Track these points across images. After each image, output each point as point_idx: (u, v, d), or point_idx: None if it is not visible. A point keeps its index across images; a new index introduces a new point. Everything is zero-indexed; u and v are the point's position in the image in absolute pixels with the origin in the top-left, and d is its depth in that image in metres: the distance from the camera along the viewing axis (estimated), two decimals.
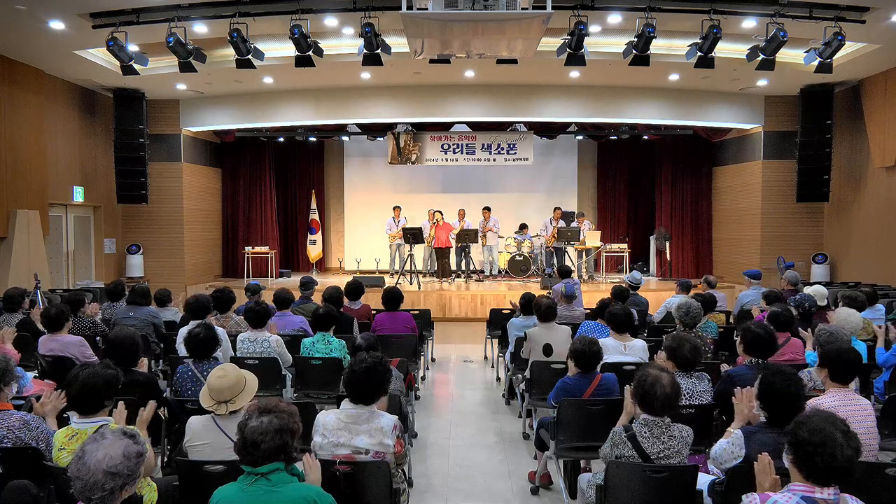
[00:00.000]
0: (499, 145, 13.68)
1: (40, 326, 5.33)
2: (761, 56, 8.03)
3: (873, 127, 10.38)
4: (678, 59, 9.25)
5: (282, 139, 14.09)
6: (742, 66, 9.34)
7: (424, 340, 7.27)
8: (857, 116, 10.96)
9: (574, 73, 10.65)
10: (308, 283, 7.36)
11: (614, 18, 8.27)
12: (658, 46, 8.58)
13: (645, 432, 2.96)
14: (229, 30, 7.71)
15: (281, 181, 15.12)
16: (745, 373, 3.80)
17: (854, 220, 11.22)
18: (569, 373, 4.18)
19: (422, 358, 7.05)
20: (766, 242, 12.11)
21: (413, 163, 13.80)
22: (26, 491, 2.63)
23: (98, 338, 5.51)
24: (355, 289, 6.71)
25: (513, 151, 13.69)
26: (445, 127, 13.51)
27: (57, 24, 7.96)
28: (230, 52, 8.34)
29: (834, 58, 8.08)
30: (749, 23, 8.15)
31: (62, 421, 3.25)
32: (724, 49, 8.88)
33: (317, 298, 6.91)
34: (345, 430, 3.00)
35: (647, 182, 14.94)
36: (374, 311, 6.65)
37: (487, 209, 13.25)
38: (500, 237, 13.40)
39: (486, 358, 8.40)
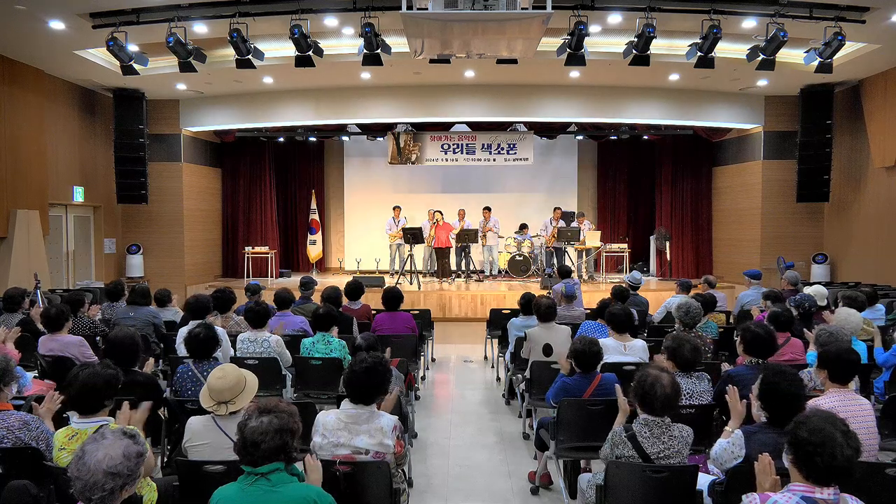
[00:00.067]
0: (499, 145, 13.69)
1: (40, 326, 5.33)
2: (761, 56, 8.03)
3: (873, 127, 10.38)
4: (678, 59, 9.25)
5: (282, 139, 14.09)
6: (742, 66, 9.34)
7: (424, 340, 7.27)
8: (857, 116, 10.96)
9: (574, 73, 10.65)
10: (308, 283, 7.37)
11: (614, 18, 8.27)
12: (658, 46, 8.58)
13: (645, 432, 2.96)
14: (229, 30, 7.71)
15: (281, 181, 15.12)
16: (745, 373, 3.80)
17: (854, 220, 11.22)
18: (561, 370, 4.19)
19: (422, 358, 7.05)
20: (766, 242, 12.11)
21: (413, 163, 13.80)
22: (26, 491, 2.63)
23: (98, 338, 5.51)
24: (355, 289, 6.71)
25: (513, 151, 13.69)
26: (445, 127, 13.51)
27: (57, 24, 7.96)
28: (230, 52, 8.34)
29: (834, 58, 8.08)
30: (749, 23, 8.15)
31: (62, 421, 3.24)
32: (724, 49, 8.88)
33: (316, 298, 6.90)
34: (345, 430, 3.00)
35: (647, 182, 14.94)
36: (374, 311, 6.65)
37: (488, 209, 13.25)
38: (500, 237, 13.40)
39: (486, 358, 8.40)
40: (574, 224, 12.75)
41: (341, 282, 7.64)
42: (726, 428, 3.17)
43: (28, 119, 9.66)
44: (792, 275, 7.61)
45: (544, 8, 6.09)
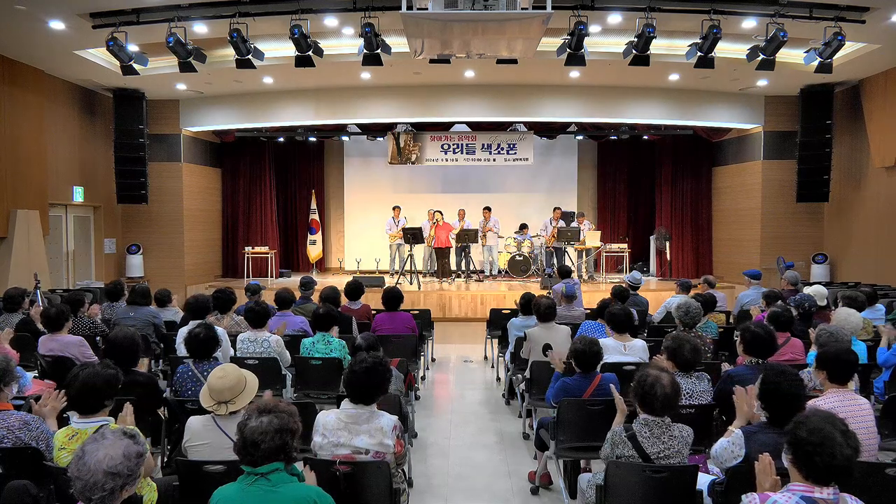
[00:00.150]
0: (499, 145, 13.69)
1: (40, 326, 5.33)
2: (761, 56, 8.03)
3: (873, 127, 10.38)
4: (678, 59, 9.24)
5: (282, 139, 14.09)
6: (742, 66, 9.34)
7: (424, 340, 7.27)
8: (857, 116, 10.96)
9: (574, 73, 10.65)
10: (308, 283, 7.37)
11: (614, 18, 8.27)
12: (658, 46, 8.58)
13: (645, 432, 2.96)
14: (229, 30, 7.71)
15: (281, 181, 15.12)
16: (745, 373, 3.80)
17: (854, 220, 11.22)
18: (556, 369, 4.20)
19: (422, 358, 7.05)
20: (766, 242, 12.11)
21: (413, 163, 13.80)
22: (26, 491, 2.63)
23: (98, 338, 5.51)
24: (355, 289, 6.71)
25: (513, 151, 13.70)
26: (445, 127, 13.51)
27: (57, 24, 7.96)
28: (230, 52, 8.34)
29: (834, 58, 8.08)
30: (749, 23, 8.15)
31: (62, 421, 3.25)
32: (724, 49, 8.88)
33: (316, 298, 6.91)
34: (345, 430, 3.00)
35: (647, 182, 14.94)
36: (373, 311, 6.65)
37: (488, 209, 13.25)
38: (500, 237, 13.40)
39: (486, 358, 8.40)
40: (574, 224, 12.75)
41: (341, 282, 7.64)
42: (730, 428, 3.17)
43: (28, 119, 9.66)
44: (792, 275, 7.61)
45: (544, 8, 6.09)
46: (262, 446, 2.24)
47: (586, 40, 7.85)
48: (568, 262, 11.79)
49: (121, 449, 2.04)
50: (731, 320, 7.13)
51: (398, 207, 13.39)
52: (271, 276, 13.11)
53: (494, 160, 13.78)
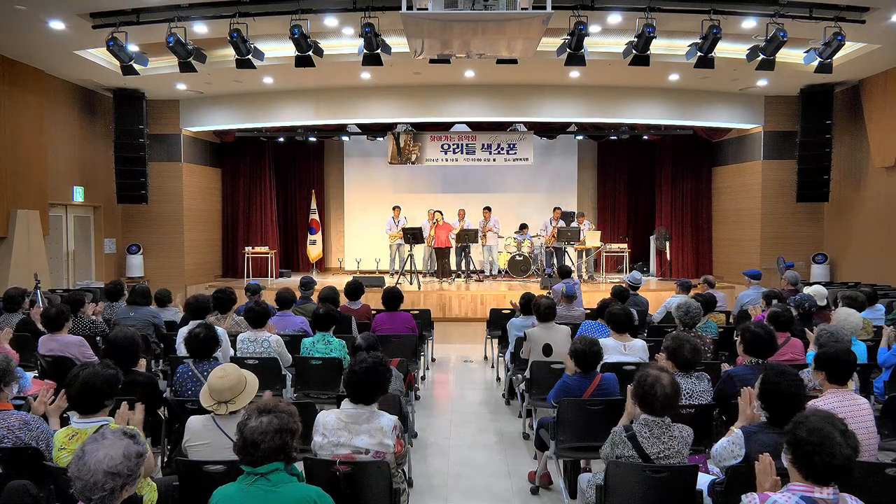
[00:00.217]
0: (499, 145, 13.69)
1: (40, 326, 5.33)
2: (761, 56, 8.03)
3: (873, 127, 10.38)
4: (678, 59, 9.25)
5: (282, 139, 14.09)
6: (742, 66, 9.34)
7: (424, 340, 7.27)
8: (857, 116, 10.96)
9: (574, 73, 10.65)
10: (308, 283, 7.38)
11: (614, 18, 8.27)
12: (658, 46, 8.58)
13: (645, 432, 2.96)
14: (229, 30, 7.71)
15: (281, 181, 15.12)
16: (745, 373, 3.80)
17: (854, 220, 11.22)
18: (567, 371, 4.18)
19: (422, 358, 7.05)
20: (766, 242, 12.11)
21: (413, 163, 13.80)
22: (26, 491, 2.64)
23: (98, 338, 5.51)
24: (355, 289, 6.71)
25: (513, 151, 13.70)
26: (445, 127, 13.51)
27: (57, 24, 7.96)
28: (230, 52, 8.34)
29: (834, 58, 8.08)
30: (749, 23, 8.15)
31: (62, 421, 3.25)
32: (724, 49, 8.88)
33: (315, 299, 6.90)
34: (345, 429, 3.00)
35: (647, 182, 14.94)
36: (373, 312, 6.65)
37: (488, 209, 13.25)
38: (500, 237, 13.40)
39: (486, 358, 8.40)
40: (574, 224, 12.75)
41: (341, 282, 7.64)
42: (732, 427, 3.17)
43: (28, 119, 9.66)
44: (792, 275, 7.61)
45: (544, 8, 6.09)
46: (262, 446, 2.24)
47: (586, 40, 7.85)
48: (568, 262, 11.79)
49: (121, 449, 2.04)
50: (731, 320, 7.13)
51: (398, 207, 13.39)
52: (271, 276, 13.11)
53: (494, 160, 13.78)
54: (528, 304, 6.11)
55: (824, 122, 11.14)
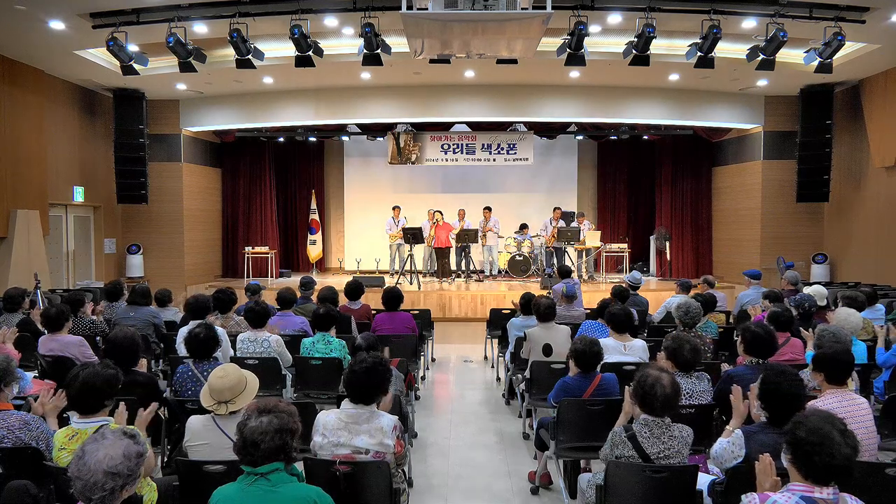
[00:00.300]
0: (499, 145, 13.69)
1: (40, 326, 5.33)
2: (761, 56, 8.03)
3: (873, 127, 10.38)
4: (678, 59, 9.24)
5: (282, 139, 14.09)
6: (742, 66, 9.34)
7: (424, 340, 7.27)
8: (857, 116, 10.96)
9: (574, 73, 10.65)
10: (308, 283, 7.38)
11: (614, 18, 8.27)
12: (658, 46, 8.58)
13: (645, 432, 2.96)
14: (229, 30, 7.71)
15: (281, 181, 15.12)
16: (745, 373, 3.80)
17: (854, 220, 11.22)
18: (570, 372, 4.18)
19: (422, 358, 7.05)
20: (766, 242, 12.11)
21: (413, 163, 13.80)
22: (26, 491, 2.64)
23: (98, 338, 5.51)
24: (355, 289, 6.71)
25: (513, 151, 13.70)
26: (445, 127, 13.51)
27: (57, 24, 7.96)
28: (230, 52, 8.34)
29: (834, 58, 8.08)
30: (749, 23, 8.15)
31: (62, 421, 3.25)
32: (724, 49, 8.88)
33: (315, 299, 6.91)
34: (345, 429, 3.00)
35: (647, 182, 14.94)
36: (373, 311, 6.65)
37: (488, 209, 13.25)
38: (500, 237, 13.40)
39: (486, 358, 8.40)
40: (574, 224, 12.74)
41: (341, 282, 7.64)
42: (727, 427, 3.17)
43: (28, 119, 9.66)
44: (792, 275, 7.61)
45: (544, 8, 6.09)
46: (261, 446, 2.24)
47: (586, 40, 7.85)
48: (568, 262, 11.79)
49: (121, 449, 2.04)
50: (731, 320, 7.13)
51: (398, 207, 13.39)
52: (271, 276, 13.11)
53: (494, 160, 13.78)
54: (528, 304, 6.10)
55: (824, 122, 11.14)
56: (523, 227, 13.26)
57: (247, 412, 2.36)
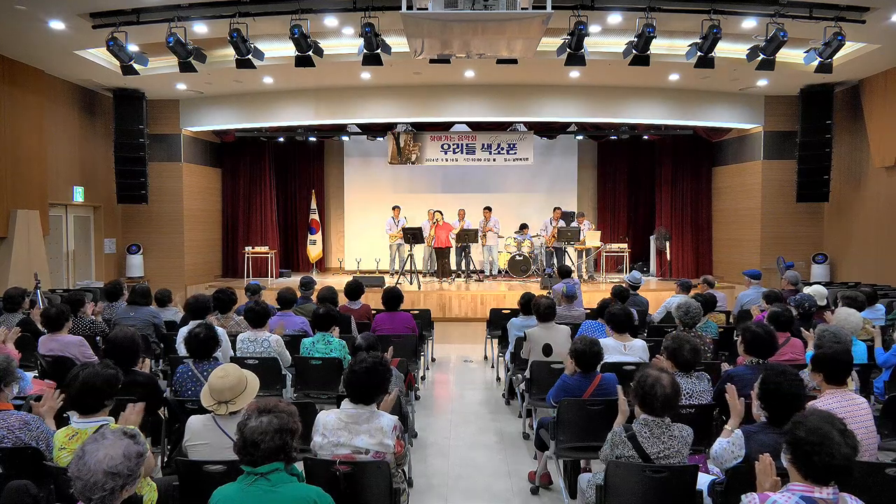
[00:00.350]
0: (499, 145, 13.69)
1: (40, 326, 5.33)
2: (761, 56, 8.03)
3: (873, 127, 10.38)
4: (678, 59, 9.25)
5: (282, 139, 14.09)
6: (742, 66, 9.34)
7: (424, 340, 7.27)
8: (857, 116, 10.96)
9: (574, 73, 10.65)
10: (308, 283, 7.38)
11: (614, 18, 8.27)
12: (658, 46, 8.58)
13: (645, 432, 2.96)
14: (229, 30, 7.71)
15: (281, 181, 15.12)
16: (746, 373, 3.80)
17: (854, 220, 11.22)
18: (566, 371, 4.19)
19: (422, 358, 7.05)
20: (766, 242, 12.11)
21: (413, 163, 13.80)
22: (26, 491, 2.64)
23: (98, 338, 5.51)
24: (355, 289, 6.71)
25: (513, 151, 13.70)
26: (445, 127, 13.51)
27: (57, 24, 7.96)
28: (230, 52, 8.34)
29: (834, 58, 8.08)
30: (749, 23, 8.15)
31: (62, 421, 3.25)
32: (724, 49, 8.88)
33: (315, 299, 6.90)
34: (345, 429, 3.00)
35: (647, 182, 14.94)
36: (373, 311, 6.65)
37: (488, 209, 13.25)
38: (500, 237, 13.40)
39: (486, 358, 8.40)
40: (574, 224, 12.74)
41: (341, 282, 7.64)
42: (726, 427, 3.18)
43: (28, 119, 9.66)
44: (792, 275, 7.61)
45: (544, 8, 6.09)
46: (261, 446, 2.24)
47: (586, 40, 7.85)
48: (568, 262, 11.79)
49: (121, 449, 2.04)
50: (731, 320, 7.13)
51: (398, 207, 13.39)
52: (271, 276, 13.11)
53: (494, 160, 13.78)
54: (528, 304, 6.10)
55: (824, 122, 11.14)
56: (523, 227, 13.25)
57: (247, 412, 2.36)
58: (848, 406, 3.08)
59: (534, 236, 13.32)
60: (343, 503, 2.72)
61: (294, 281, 11.26)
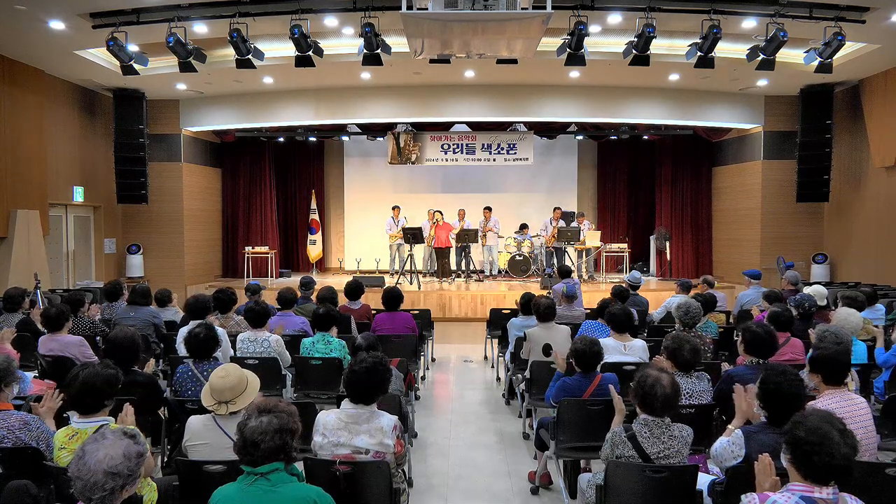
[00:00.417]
0: (499, 145, 13.69)
1: (40, 326, 5.33)
2: (761, 56, 8.03)
3: (873, 127, 10.38)
4: (678, 59, 9.25)
5: (282, 139, 14.09)
6: (742, 66, 9.34)
7: (424, 340, 7.27)
8: (857, 116, 10.96)
9: (574, 73, 10.65)
10: (308, 283, 7.38)
11: (614, 18, 8.27)
12: (658, 46, 8.58)
13: (645, 432, 2.96)
14: (229, 30, 7.71)
15: (281, 181, 15.12)
16: (745, 373, 3.80)
17: (854, 220, 11.22)
18: (558, 369, 4.20)
19: (422, 358, 7.05)
20: (766, 242, 12.12)
21: (413, 163, 13.80)
22: (26, 491, 2.64)
23: (98, 338, 5.51)
24: (355, 289, 6.71)
25: (513, 151, 13.70)
26: (445, 127, 13.51)
27: (57, 24, 7.96)
28: (230, 52, 8.34)
29: (834, 58, 8.08)
30: (749, 23, 8.15)
31: (62, 421, 3.25)
32: (724, 49, 8.88)
33: (314, 299, 6.90)
34: (345, 429, 3.00)
35: (647, 182, 14.94)
36: (373, 311, 6.65)
37: (488, 209, 13.26)
38: (500, 237, 13.40)
39: (486, 358, 8.40)
40: (574, 224, 12.74)
41: (341, 282, 7.64)
42: (729, 426, 3.17)
43: (28, 119, 9.66)
44: (792, 275, 7.62)
45: (544, 8, 6.09)
46: (261, 446, 2.24)
47: (586, 40, 7.84)
48: (568, 262, 11.79)
49: (121, 449, 2.04)
50: (731, 320, 7.13)
51: (398, 207, 13.39)
52: (271, 276, 13.11)
53: (494, 160, 13.78)
54: (528, 304, 6.10)
55: (824, 122, 11.14)
56: (523, 227, 13.25)
57: (247, 412, 2.36)
58: (847, 406, 3.08)
59: (534, 236, 13.32)
60: (343, 503, 2.72)
61: (294, 281, 11.26)
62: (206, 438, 3.00)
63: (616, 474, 2.94)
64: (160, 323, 6.10)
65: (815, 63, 8.15)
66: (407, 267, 12.42)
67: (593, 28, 8.56)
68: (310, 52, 7.99)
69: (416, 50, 7.29)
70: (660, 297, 10.05)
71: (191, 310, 5.37)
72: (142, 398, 3.47)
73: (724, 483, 2.87)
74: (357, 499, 2.87)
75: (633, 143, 14.60)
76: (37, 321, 5.57)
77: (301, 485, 2.34)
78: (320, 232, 14.70)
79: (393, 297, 6.21)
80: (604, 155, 15.26)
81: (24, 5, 7.34)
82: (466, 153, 13.72)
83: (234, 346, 5.07)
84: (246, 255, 13.06)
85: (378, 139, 14.28)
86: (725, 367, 4.58)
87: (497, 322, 7.60)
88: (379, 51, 7.87)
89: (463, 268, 13.11)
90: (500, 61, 8.29)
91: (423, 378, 7.18)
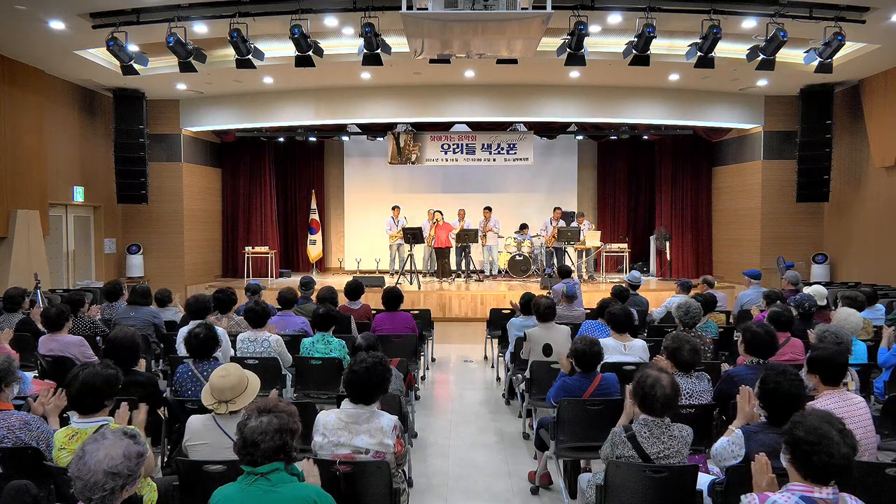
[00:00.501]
0: (499, 145, 13.69)
1: (40, 326, 5.33)
2: (761, 56, 8.03)
3: (873, 127, 10.38)
4: (678, 59, 9.25)
5: (282, 139, 14.09)
6: (742, 66, 9.34)
7: (424, 340, 7.27)
8: (857, 116, 10.96)
9: (574, 73, 10.65)
10: (308, 283, 7.38)
11: (614, 18, 8.27)
12: (658, 46, 8.58)
13: (645, 432, 2.96)
14: (229, 30, 7.71)
15: (281, 181, 15.12)
16: (746, 373, 3.80)
17: (854, 220, 11.22)
18: (563, 370, 4.19)
19: (422, 358, 7.05)
20: (766, 242, 12.12)
21: (413, 163, 13.80)
22: (26, 491, 2.64)
23: (98, 338, 5.51)
24: (355, 289, 6.71)
25: (513, 151, 13.70)
26: (445, 127, 13.51)
27: (57, 24, 7.96)
28: (230, 52, 8.34)
29: (834, 58, 8.08)
30: (749, 23, 8.16)
31: (62, 421, 3.25)
32: (724, 49, 8.88)
33: (314, 299, 6.90)
34: (345, 429, 3.00)
35: (647, 182, 14.95)
36: (373, 311, 6.65)
37: (488, 209, 13.26)
38: (500, 237, 13.40)
39: (486, 358, 8.40)
40: (574, 224, 12.75)
41: (341, 282, 7.64)
42: (731, 426, 3.17)
43: (28, 119, 9.66)
44: (792, 275, 7.62)
45: (544, 8, 6.09)
46: (261, 446, 2.24)
47: (586, 40, 7.85)
48: (568, 262, 11.79)
49: (121, 449, 2.04)
50: (731, 320, 7.13)
51: (398, 207, 13.39)
52: (271, 276, 13.11)
53: (494, 160, 13.78)
54: (528, 304, 6.10)
55: (824, 122, 11.14)
56: (523, 227, 13.26)
57: (247, 412, 2.37)
58: (845, 406, 3.08)
59: (534, 236, 13.33)
60: (343, 503, 2.72)
61: (294, 281, 11.26)
62: (207, 438, 3.01)
63: (616, 474, 2.94)
64: (160, 323, 6.10)
65: (815, 63, 8.15)
66: (407, 267, 12.42)
67: (593, 28, 8.56)
68: (310, 52, 7.99)
69: (416, 50, 7.29)
70: (660, 297, 10.05)
71: (191, 310, 5.37)
72: (142, 398, 3.47)
73: (724, 483, 2.86)
74: (357, 499, 2.87)
75: (633, 143, 14.61)
76: (37, 321, 5.57)
77: (301, 485, 2.34)
78: (320, 232, 14.70)
79: (393, 297, 6.21)
80: (604, 155, 15.26)
81: (24, 5, 7.34)
82: (466, 153, 13.72)
83: (234, 346, 5.07)
84: (246, 255, 13.06)
85: (378, 139, 14.28)
86: (725, 367, 4.58)
87: (497, 322, 7.61)
88: (379, 51, 7.87)
89: (463, 268, 13.11)
90: (500, 61, 8.29)
91: (423, 378, 7.18)
